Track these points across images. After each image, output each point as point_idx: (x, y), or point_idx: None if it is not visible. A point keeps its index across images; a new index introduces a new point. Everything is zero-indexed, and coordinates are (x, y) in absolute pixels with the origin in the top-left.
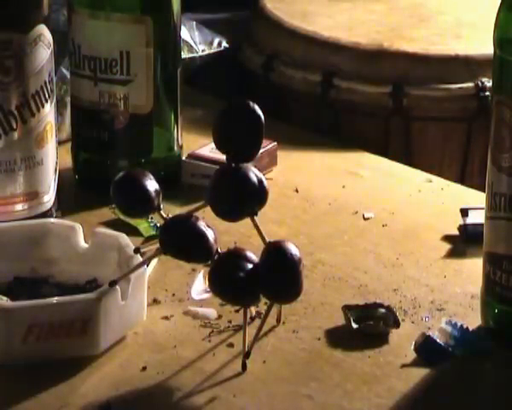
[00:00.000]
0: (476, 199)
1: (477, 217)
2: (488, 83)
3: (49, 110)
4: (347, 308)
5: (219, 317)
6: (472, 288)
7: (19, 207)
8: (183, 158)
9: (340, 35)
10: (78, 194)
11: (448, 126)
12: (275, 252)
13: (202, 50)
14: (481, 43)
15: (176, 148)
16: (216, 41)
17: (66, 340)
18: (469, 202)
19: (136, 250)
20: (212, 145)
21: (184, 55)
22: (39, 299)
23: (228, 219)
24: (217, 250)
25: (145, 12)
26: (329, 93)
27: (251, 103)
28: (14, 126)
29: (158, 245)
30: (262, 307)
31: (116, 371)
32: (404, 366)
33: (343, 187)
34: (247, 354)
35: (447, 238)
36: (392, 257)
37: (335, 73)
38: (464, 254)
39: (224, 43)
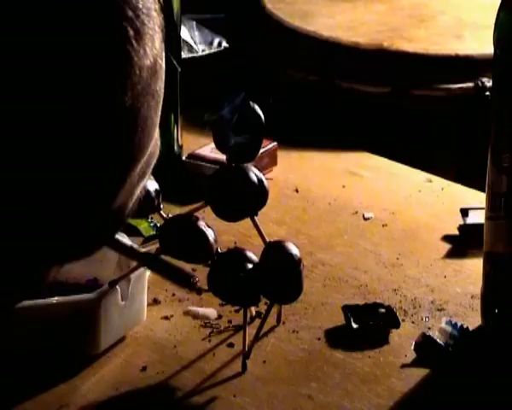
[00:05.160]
0: (476, 199)
1: (477, 217)
2: (488, 83)
3: None
4: (347, 308)
5: (219, 317)
6: (472, 288)
7: None
8: (183, 158)
9: (340, 35)
10: None
11: (448, 126)
12: (275, 252)
13: (202, 50)
14: (481, 43)
15: (176, 148)
16: (216, 41)
17: (66, 340)
18: (469, 202)
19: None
20: (212, 145)
21: (184, 55)
22: (39, 299)
23: (228, 219)
24: (217, 250)
25: None
26: (329, 93)
27: (251, 103)
28: None
29: (158, 245)
30: (262, 307)
31: (116, 371)
32: (404, 366)
33: (343, 187)
34: (247, 354)
35: (447, 238)
36: (392, 257)
37: (335, 73)
38: (464, 254)
39: (224, 43)
